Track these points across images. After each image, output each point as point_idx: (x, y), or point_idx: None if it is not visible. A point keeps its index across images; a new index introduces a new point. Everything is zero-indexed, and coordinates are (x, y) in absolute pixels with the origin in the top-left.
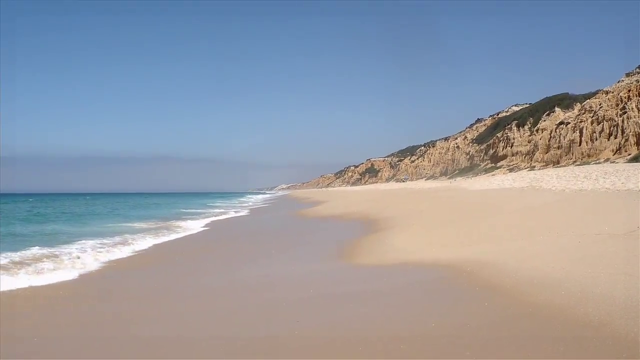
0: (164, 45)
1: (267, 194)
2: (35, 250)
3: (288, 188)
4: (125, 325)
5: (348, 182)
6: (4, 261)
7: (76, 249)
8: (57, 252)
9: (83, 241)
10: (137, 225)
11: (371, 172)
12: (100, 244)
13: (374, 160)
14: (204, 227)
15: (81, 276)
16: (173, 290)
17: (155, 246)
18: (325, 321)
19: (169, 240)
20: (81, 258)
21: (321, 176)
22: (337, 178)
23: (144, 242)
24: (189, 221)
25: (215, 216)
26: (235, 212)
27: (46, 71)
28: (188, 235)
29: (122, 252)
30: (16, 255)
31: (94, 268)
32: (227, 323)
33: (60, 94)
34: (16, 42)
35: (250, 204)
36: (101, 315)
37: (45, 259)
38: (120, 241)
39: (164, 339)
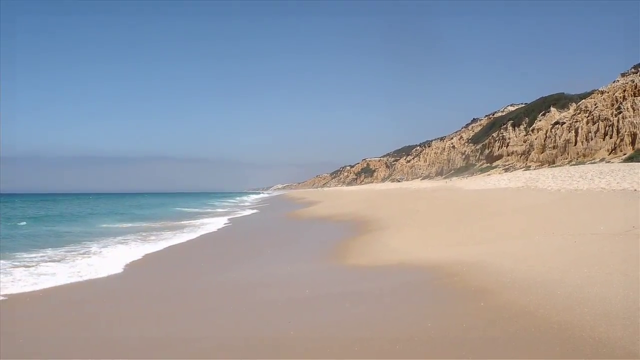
0: (164, 44)
1: (263, 194)
2: (64, 250)
3: (284, 188)
4: (121, 327)
5: (344, 182)
6: (33, 260)
7: (102, 247)
8: (83, 251)
9: (106, 240)
10: (150, 225)
11: (367, 172)
12: (118, 243)
13: (369, 160)
14: (218, 227)
15: (108, 276)
16: (174, 291)
17: (160, 250)
18: (320, 321)
19: (172, 245)
20: (108, 257)
21: (317, 176)
22: (332, 178)
23: (157, 244)
24: (195, 221)
25: (219, 216)
26: (237, 212)
27: (46, 70)
28: (198, 236)
29: (136, 254)
30: (56, 254)
31: (120, 267)
32: (224, 323)
33: (60, 93)
34: (16, 41)
35: (249, 203)
36: (106, 315)
37: (79, 258)
38: (138, 239)
39: (158, 340)
